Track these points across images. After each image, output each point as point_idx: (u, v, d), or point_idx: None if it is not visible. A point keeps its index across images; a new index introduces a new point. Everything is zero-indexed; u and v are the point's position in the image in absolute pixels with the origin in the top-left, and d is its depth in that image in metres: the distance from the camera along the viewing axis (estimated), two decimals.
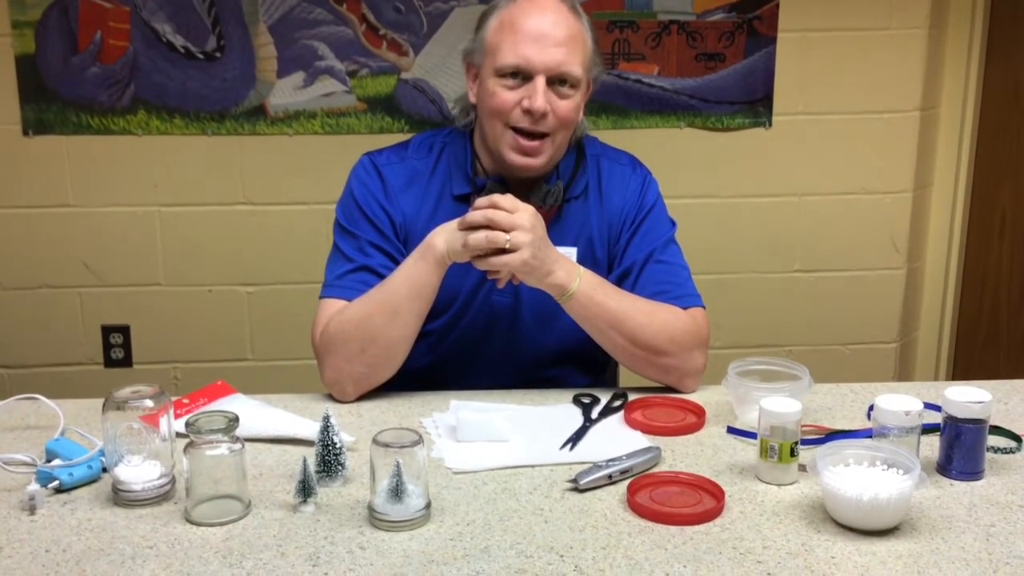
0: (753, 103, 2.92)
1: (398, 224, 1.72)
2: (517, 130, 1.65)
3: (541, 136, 1.66)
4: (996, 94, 3.05)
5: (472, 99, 1.73)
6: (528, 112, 1.63)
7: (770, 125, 2.95)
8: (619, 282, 1.74)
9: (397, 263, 1.68)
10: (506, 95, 1.64)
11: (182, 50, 2.77)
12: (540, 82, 1.63)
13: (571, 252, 1.73)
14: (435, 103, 2.84)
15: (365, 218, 1.72)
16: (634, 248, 1.76)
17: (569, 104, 1.66)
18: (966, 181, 3.11)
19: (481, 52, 1.68)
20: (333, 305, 1.67)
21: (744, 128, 2.95)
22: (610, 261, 1.78)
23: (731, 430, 1.55)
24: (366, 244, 1.71)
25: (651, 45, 2.86)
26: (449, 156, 1.77)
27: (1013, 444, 1.50)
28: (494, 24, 1.67)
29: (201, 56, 2.78)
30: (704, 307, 1.74)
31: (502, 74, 1.64)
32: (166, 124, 2.81)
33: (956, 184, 3.11)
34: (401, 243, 1.73)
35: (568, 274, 1.61)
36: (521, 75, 1.63)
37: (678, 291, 1.72)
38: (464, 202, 1.71)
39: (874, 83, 2.94)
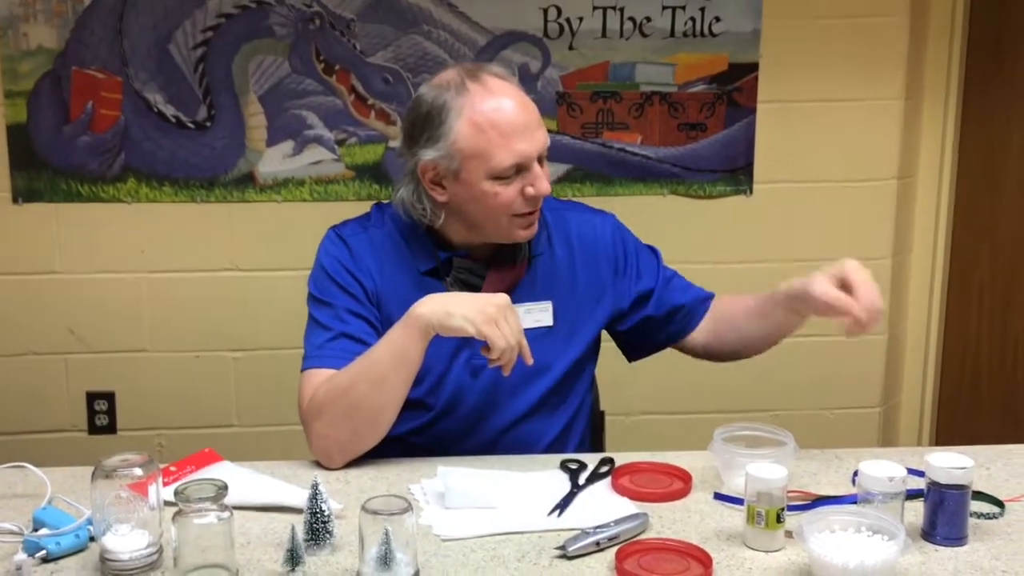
0: (734, 171, 2.98)
1: (369, 290, 1.74)
2: (519, 214, 1.68)
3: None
4: (972, 162, 3.11)
5: (442, 200, 1.70)
6: (532, 197, 1.67)
7: (751, 193, 3.00)
8: (637, 313, 1.85)
9: (374, 327, 1.71)
10: (508, 192, 1.65)
11: (173, 119, 2.80)
12: (538, 168, 1.66)
13: (547, 306, 1.77)
14: None
15: (338, 286, 1.73)
16: (643, 284, 1.85)
17: (547, 168, 1.70)
18: (944, 248, 3.16)
19: (455, 158, 1.64)
20: (317, 375, 1.68)
21: (726, 196, 3.00)
22: (601, 294, 1.82)
23: (718, 496, 1.55)
24: (342, 311, 1.72)
25: (634, 115, 2.92)
26: (405, 230, 1.77)
27: (996, 509, 1.51)
28: (464, 128, 1.63)
29: (191, 125, 2.81)
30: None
31: (501, 175, 1.64)
32: (155, 192, 2.84)
33: (935, 251, 3.16)
34: (375, 308, 1.74)
35: None
36: (517, 169, 1.65)
37: (696, 291, 1.89)
38: (432, 276, 1.74)
39: (852, 152, 3.00)
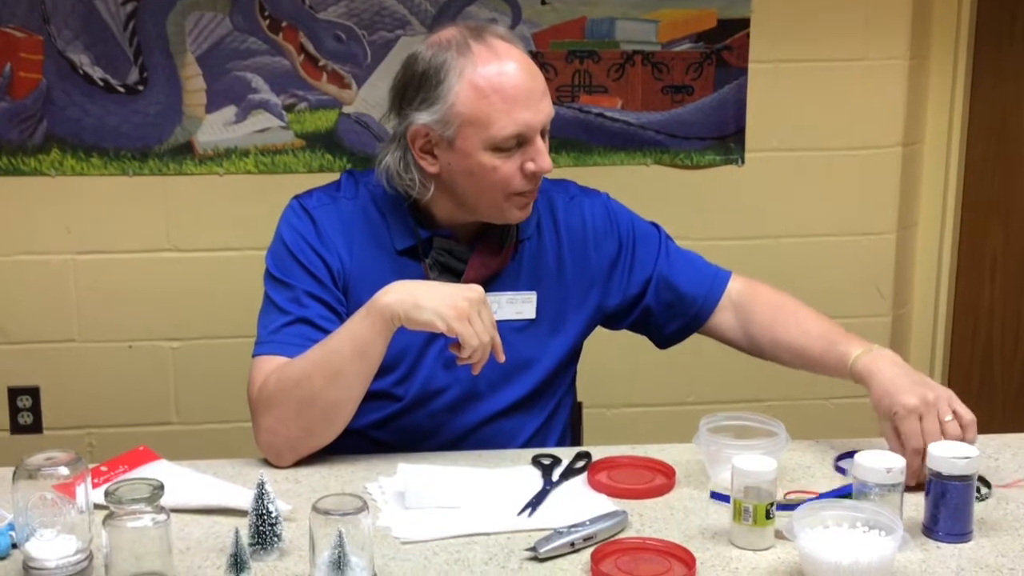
0: (724, 138, 3.00)
1: (335, 270, 1.74)
2: (517, 193, 1.69)
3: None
4: (982, 127, 3.15)
5: (432, 171, 1.70)
6: (532, 175, 1.67)
7: (742, 162, 3.02)
8: (635, 307, 1.86)
9: (336, 313, 1.71)
10: (508, 167, 1.65)
11: (101, 83, 2.79)
12: (540, 142, 1.66)
13: (531, 297, 1.78)
14: (380, 140, 2.88)
15: (299, 266, 1.73)
16: (639, 274, 1.86)
17: (548, 142, 1.71)
18: (953, 220, 3.20)
19: (451, 124, 1.64)
20: (270, 362, 1.68)
21: (715, 165, 3.02)
22: (589, 289, 1.84)
23: (715, 496, 1.57)
24: (302, 294, 1.72)
25: (614, 77, 2.93)
26: (382, 203, 1.77)
27: (984, 490, 1.55)
28: (464, 91, 1.62)
29: (122, 89, 2.80)
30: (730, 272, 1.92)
31: (501, 147, 1.64)
32: (82, 164, 2.82)
33: (943, 224, 3.20)
34: (340, 291, 1.74)
35: None
36: (519, 141, 1.65)
37: (708, 277, 1.89)
38: (409, 256, 1.75)
39: (853, 117, 3.03)
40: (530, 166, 1.66)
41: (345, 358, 1.62)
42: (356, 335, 1.62)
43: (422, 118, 1.66)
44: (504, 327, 1.71)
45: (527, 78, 1.65)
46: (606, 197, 1.91)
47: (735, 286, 1.90)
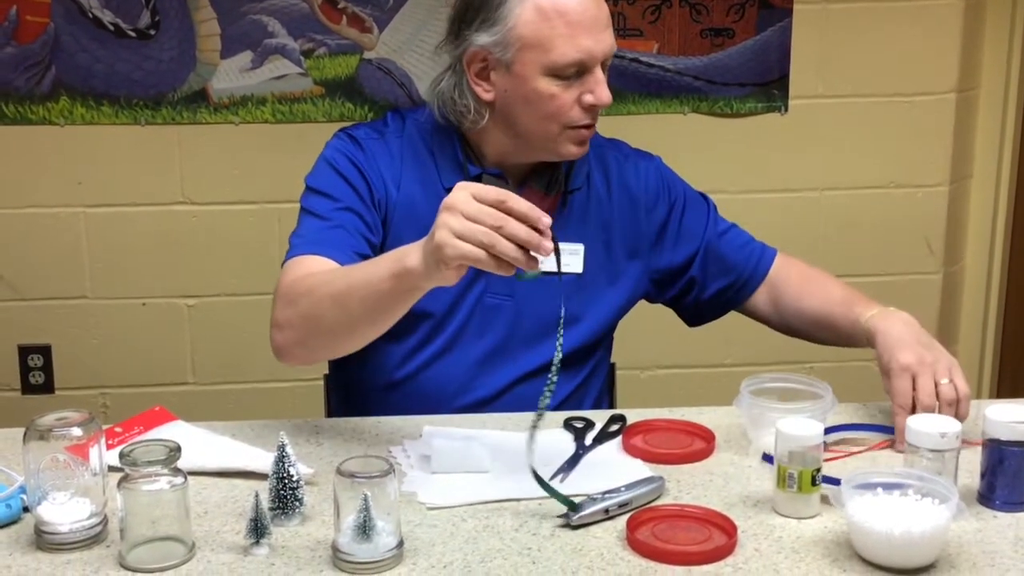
0: (766, 85, 2.96)
1: (378, 196, 1.74)
2: (574, 126, 1.68)
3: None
4: None
5: (488, 98, 1.69)
6: (591, 107, 1.66)
7: (786, 110, 2.98)
8: (681, 276, 1.88)
9: (373, 234, 1.70)
10: (565, 96, 1.65)
11: (111, 27, 2.78)
12: (600, 73, 1.66)
13: (578, 248, 1.79)
14: (403, 86, 2.86)
15: (342, 179, 1.72)
16: (687, 242, 1.87)
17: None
18: (1010, 172, 3.15)
19: (511, 46, 1.64)
20: (302, 261, 1.62)
21: (756, 113, 2.98)
22: (636, 250, 1.84)
23: (767, 458, 1.55)
24: (342, 208, 1.70)
25: (649, 19, 2.89)
26: (429, 139, 1.78)
27: None
28: (527, 13, 1.62)
29: (133, 34, 2.79)
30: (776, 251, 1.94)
31: (560, 73, 1.64)
32: (92, 112, 2.82)
33: (999, 175, 3.16)
34: (380, 217, 1.74)
35: None
36: (579, 69, 1.65)
37: (756, 252, 1.90)
38: None
39: (904, 62, 2.98)
40: (588, 98, 1.66)
41: (359, 316, 1.52)
42: (377, 293, 1.49)
43: (480, 39, 1.66)
44: (547, 280, 1.71)
45: (592, 5, 1.65)
46: (659, 161, 1.92)
47: (775, 263, 1.91)
